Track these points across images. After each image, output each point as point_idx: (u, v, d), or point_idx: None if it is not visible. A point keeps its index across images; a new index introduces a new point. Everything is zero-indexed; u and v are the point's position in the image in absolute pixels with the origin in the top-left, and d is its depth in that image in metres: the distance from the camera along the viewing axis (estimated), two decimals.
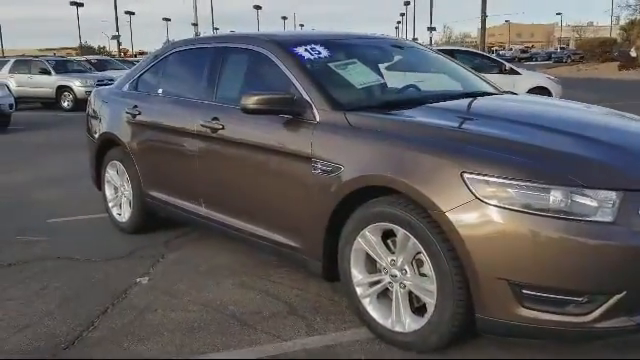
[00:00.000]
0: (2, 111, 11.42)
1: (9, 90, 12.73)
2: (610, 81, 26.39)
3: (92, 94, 4.77)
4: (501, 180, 2.12)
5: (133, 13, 58.51)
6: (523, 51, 69.69)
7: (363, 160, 2.54)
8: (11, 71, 16.89)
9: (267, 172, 2.98)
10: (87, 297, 3.24)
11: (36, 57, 17.93)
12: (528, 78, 11.40)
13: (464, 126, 2.73)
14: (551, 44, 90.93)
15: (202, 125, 3.32)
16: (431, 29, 50.48)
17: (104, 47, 79.22)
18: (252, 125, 3.03)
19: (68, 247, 4.09)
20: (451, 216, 2.17)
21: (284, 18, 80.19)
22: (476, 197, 2.13)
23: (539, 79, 11.74)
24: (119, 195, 4.39)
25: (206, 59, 3.57)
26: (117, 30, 41.38)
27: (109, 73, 18.31)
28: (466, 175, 2.17)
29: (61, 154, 8.52)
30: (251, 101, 2.79)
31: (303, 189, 2.76)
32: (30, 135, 11.07)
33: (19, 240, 4.29)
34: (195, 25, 69.53)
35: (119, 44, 45.11)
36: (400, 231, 2.38)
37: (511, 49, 75.01)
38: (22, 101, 16.01)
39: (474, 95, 3.39)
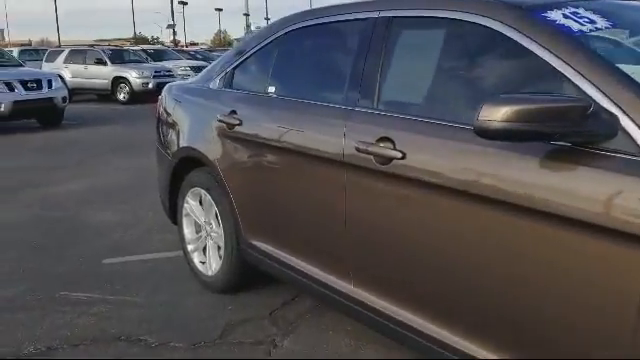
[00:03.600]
0: (55, 105, 10.47)
1: (63, 82, 11.82)
2: None
3: (164, 92, 3.48)
4: None
5: (186, 3, 58.39)
6: None
7: None
8: (66, 61, 16.12)
9: (514, 245, 1.58)
10: None
11: (91, 46, 17.13)
12: None
13: None
14: None
15: (358, 149, 1.96)
16: None
17: (157, 38, 79.72)
18: (472, 157, 1.64)
19: (132, 316, 2.83)
20: None
21: None
22: None
23: None
24: (203, 236, 3.10)
25: (356, 39, 2.19)
26: (172, 19, 40.83)
27: (166, 64, 17.37)
28: None
29: (120, 157, 7.39)
30: (501, 114, 1.39)
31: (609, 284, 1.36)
32: (85, 132, 10.07)
33: (65, 298, 3.06)
34: (247, 15, 68.93)
35: (174, 34, 44.64)
36: None
37: None
38: (76, 93, 15.22)
39: None
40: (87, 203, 5.03)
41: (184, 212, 3.19)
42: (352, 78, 2.15)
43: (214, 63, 3.23)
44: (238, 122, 2.60)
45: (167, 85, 3.56)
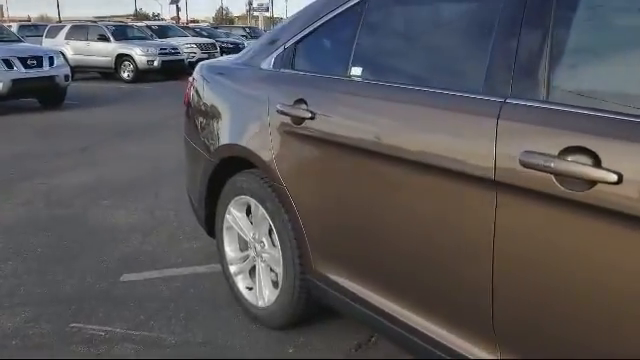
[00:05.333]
0: (57, 84, 9.74)
1: (65, 59, 11.08)
2: None
3: (197, 72, 2.81)
4: None
5: None
6: None
7: None
8: (67, 37, 15.30)
9: None
10: None
11: (94, 22, 16.29)
12: None
13: None
14: None
15: (526, 164, 1.29)
16: None
17: (158, 14, 78.22)
18: None
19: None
20: None
21: None
22: None
23: None
24: (251, 256, 2.46)
25: (501, 2, 1.51)
26: None
27: (171, 40, 16.57)
28: None
29: (129, 142, 6.72)
30: None
31: None
32: (88, 113, 9.38)
33: (77, 334, 2.43)
34: None
35: (178, 9, 43.43)
36: None
37: None
38: (78, 70, 14.46)
39: None
40: (96, 199, 4.39)
41: (225, 224, 2.55)
42: (497, 57, 1.47)
43: (263, 37, 2.55)
44: (309, 115, 1.93)
45: (200, 64, 2.88)
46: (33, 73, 9.30)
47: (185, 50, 16.18)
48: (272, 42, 2.35)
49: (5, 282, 2.94)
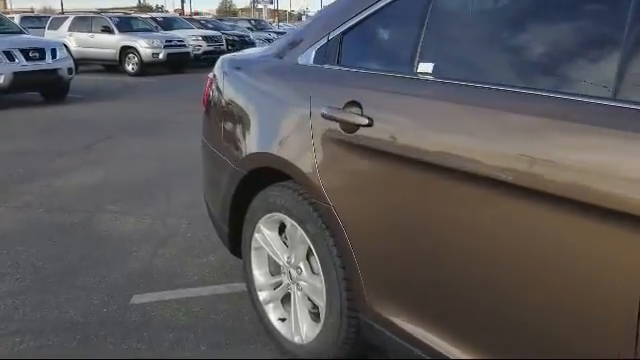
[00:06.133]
0: (60, 77, 9.40)
1: (68, 51, 10.72)
2: None
3: (218, 67, 2.46)
4: None
5: None
6: None
7: None
8: (70, 29, 14.95)
9: None
10: None
11: (98, 13, 15.90)
12: None
13: None
14: None
15: None
16: None
17: (162, 6, 77.71)
18: None
19: None
20: None
21: None
22: None
23: None
24: (285, 283, 2.11)
25: None
26: None
27: (177, 33, 16.18)
28: None
29: (135, 139, 6.37)
30: None
31: None
32: (93, 108, 9.03)
33: None
34: None
35: (182, 1, 42.94)
36: None
37: None
38: (81, 63, 14.11)
39: None
40: (102, 203, 4.05)
41: (254, 244, 2.20)
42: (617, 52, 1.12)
43: (300, 27, 2.19)
44: (365, 122, 1.58)
45: (221, 59, 2.53)
46: (35, 66, 8.96)
47: (191, 42, 15.79)
48: (311, 32, 2.00)
49: (2, 303, 2.61)
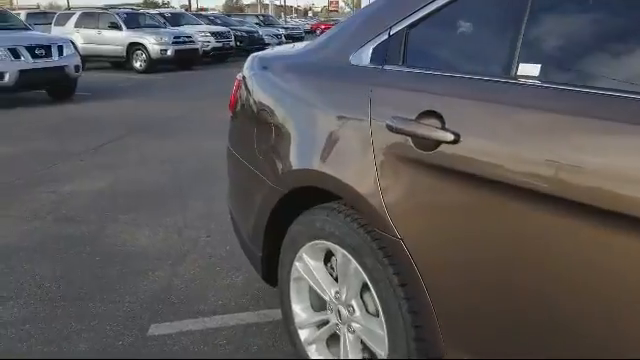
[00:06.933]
0: (67, 75, 9.11)
1: (75, 48, 10.43)
2: None
3: (249, 67, 2.15)
4: None
5: None
6: None
7: None
8: (77, 25, 14.65)
9: None
10: None
11: (105, 9, 15.60)
12: None
13: None
14: None
15: None
16: None
17: (168, 2, 77.45)
18: None
19: None
20: None
21: None
22: None
23: None
24: (332, 322, 1.80)
25: None
26: None
27: (185, 29, 15.87)
28: None
29: (146, 141, 6.07)
30: None
31: None
32: (101, 107, 8.74)
33: None
34: None
35: None
36: None
37: None
38: (88, 60, 13.82)
39: None
40: (113, 213, 3.75)
41: (293, 274, 1.89)
42: None
43: (347, 20, 1.87)
44: (450, 137, 1.26)
45: (251, 57, 2.22)
46: (41, 63, 8.67)
47: (199, 39, 15.48)
48: (364, 26, 1.68)
49: (4, 333, 2.32)
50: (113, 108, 8.53)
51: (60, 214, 3.76)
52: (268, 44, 20.78)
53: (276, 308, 2.40)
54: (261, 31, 20.88)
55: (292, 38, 23.54)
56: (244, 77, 2.17)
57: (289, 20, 42.61)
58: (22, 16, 16.75)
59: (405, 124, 1.37)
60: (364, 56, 1.63)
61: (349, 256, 1.62)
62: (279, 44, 21.65)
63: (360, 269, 1.58)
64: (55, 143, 6.00)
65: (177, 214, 3.72)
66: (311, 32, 36.42)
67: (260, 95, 2.01)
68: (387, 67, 1.54)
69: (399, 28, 1.54)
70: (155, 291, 2.66)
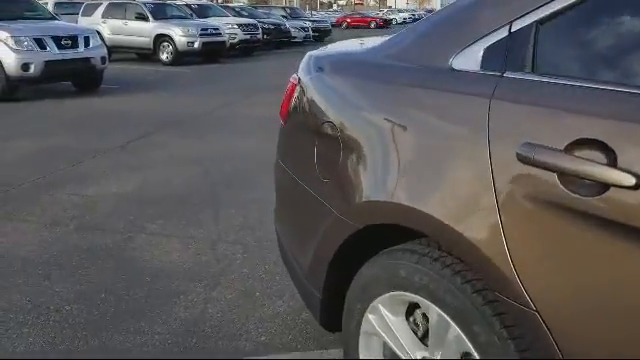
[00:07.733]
0: (93, 66, 8.87)
1: (101, 39, 10.21)
2: None
3: (304, 70, 1.79)
4: None
5: None
6: None
7: None
8: (104, 16, 14.47)
9: None
10: None
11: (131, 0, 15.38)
12: None
13: None
14: None
15: None
16: None
17: None
18: None
19: None
20: None
21: None
22: None
23: None
24: None
25: None
26: None
27: (212, 21, 15.58)
28: None
29: (175, 138, 5.78)
30: None
31: None
32: (127, 100, 8.48)
33: None
34: None
35: None
36: None
37: None
38: (115, 51, 13.63)
39: None
40: (141, 221, 3.44)
41: (365, 327, 1.53)
42: None
43: (441, 12, 1.50)
44: (632, 180, 0.89)
45: (308, 57, 1.86)
46: (68, 54, 8.44)
47: (226, 31, 15.18)
48: (471, 21, 1.31)
49: None
50: (140, 102, 8.26)
51: (83, 221, 3.46)
52: (295, 37, 20.43)
53: (331, 348, 2.06)
54: (288, 24, 20.50)
55: (319, 31, 23.11)
56: (300, 80, 1.81)
57: (314, 13, 42.12)
58: (50, 6, 16.64)
59: (549, 155, 1.00)
60: (472, 59, 1.25)
61: (448, 319, 1.25)
62: (306, 37, 21.32)
63: (465, 339, 1.21)
64: (80, 139, 5.73)
65: (209, 224, 3.39)
66: (336, 26, 35.85)
67: (323, 104, 1.65)
68: (509, 74, 1.17)
69: (524, 24, 1.16)
70: (187, 320, 2.33)
